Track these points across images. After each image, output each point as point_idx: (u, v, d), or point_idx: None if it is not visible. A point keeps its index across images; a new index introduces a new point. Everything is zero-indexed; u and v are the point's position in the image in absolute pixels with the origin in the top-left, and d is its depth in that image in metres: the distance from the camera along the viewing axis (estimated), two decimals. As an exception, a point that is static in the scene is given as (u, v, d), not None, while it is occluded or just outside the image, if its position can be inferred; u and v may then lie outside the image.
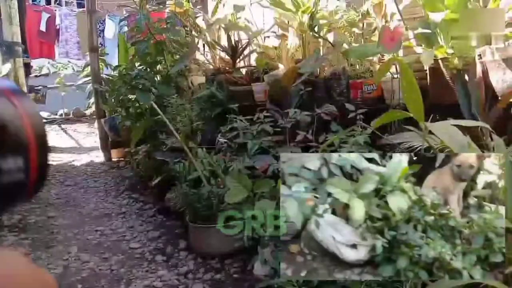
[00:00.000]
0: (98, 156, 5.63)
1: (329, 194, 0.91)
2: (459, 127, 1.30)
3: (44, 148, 0.20)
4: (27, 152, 0.19)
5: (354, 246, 0.89)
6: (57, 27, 7.17)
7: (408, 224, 0.89)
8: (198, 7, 4.60)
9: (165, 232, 3.13)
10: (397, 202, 0.90)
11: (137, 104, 4.07)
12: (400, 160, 0.95)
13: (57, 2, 10.16)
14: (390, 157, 0.98)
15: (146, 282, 2.44)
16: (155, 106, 3.10)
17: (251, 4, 3.87)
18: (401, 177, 0.92)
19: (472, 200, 1.00)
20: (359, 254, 0.90)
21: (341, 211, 0.91)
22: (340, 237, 0.90)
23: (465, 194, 1.00)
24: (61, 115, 9.09)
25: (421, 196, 0.93)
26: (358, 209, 0.89)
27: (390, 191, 0.90)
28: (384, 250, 0.89)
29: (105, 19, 6.95)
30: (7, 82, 0.26)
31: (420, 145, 1.61)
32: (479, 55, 2.05)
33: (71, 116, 9.12)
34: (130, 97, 4.09)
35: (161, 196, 3.40)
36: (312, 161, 0.96)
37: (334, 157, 0.98)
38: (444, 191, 0.95)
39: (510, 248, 1.01)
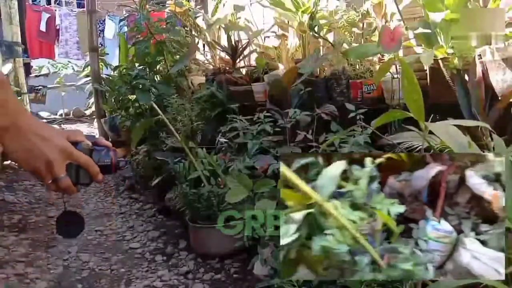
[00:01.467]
0: (98, 156, 5.62)
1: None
2: (459, 127, 1.29)
3: (118, 162, 0.86)
4: (112, 161, 0.85)
5: None
6: (57, 27, 7.18)
7: None
8: (198, 7, 4.60)
9: (165, 232, 3.13)
10: None
11: (137, 104, 4.07)
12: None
13: (57, 2, 10.18)
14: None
15: (146, 282, 2.44)
16: (155, 106, 3.09)
17: (251, 4, 3.87)
18: None
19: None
20: None
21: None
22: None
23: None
24: (61, 115, 9.10)
25: None
26: None
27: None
28: None
29: (105, 19, 6.96)
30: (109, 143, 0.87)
31: (420, 145, 1.61)
32: (479, 55, 2.05)
33: (71, 116, 9.12)
34: (130, 97, 4.09)
35: (161, 196, 3.40)
36: None
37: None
38: None
39: (510, 248, 1.01)
